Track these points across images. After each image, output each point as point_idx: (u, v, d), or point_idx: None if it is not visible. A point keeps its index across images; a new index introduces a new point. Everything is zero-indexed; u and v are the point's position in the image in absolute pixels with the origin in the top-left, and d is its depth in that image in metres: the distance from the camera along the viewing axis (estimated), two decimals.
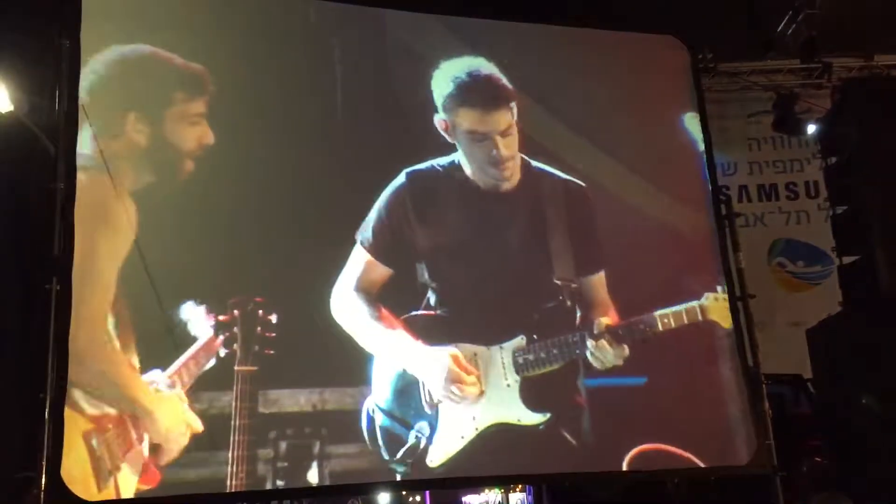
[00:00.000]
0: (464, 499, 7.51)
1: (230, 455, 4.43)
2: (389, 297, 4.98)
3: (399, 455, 4.79)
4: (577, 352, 5.14)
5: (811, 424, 6.68)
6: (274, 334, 4.65)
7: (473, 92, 5.34)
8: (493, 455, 4.95)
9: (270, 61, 5.20)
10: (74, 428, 4.15)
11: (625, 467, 5.13)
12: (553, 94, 5.66)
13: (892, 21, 7.54)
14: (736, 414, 5.41)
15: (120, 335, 4.40)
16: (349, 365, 4.83)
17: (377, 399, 4.84)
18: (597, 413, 5.13)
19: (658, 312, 5.18)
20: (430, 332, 5.00)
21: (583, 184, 5.45)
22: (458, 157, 5.29)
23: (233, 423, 4.48)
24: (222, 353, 4.57)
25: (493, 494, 7.32)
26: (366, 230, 5.05)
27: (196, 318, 4.58)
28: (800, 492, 5.69)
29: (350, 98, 5.30)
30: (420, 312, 5.04)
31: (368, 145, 5.24)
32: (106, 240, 4.49)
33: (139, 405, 4.34)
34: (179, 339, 4.52)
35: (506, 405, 4.99)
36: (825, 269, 8.24)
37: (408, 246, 5.12)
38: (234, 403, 4.51)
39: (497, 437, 4.94)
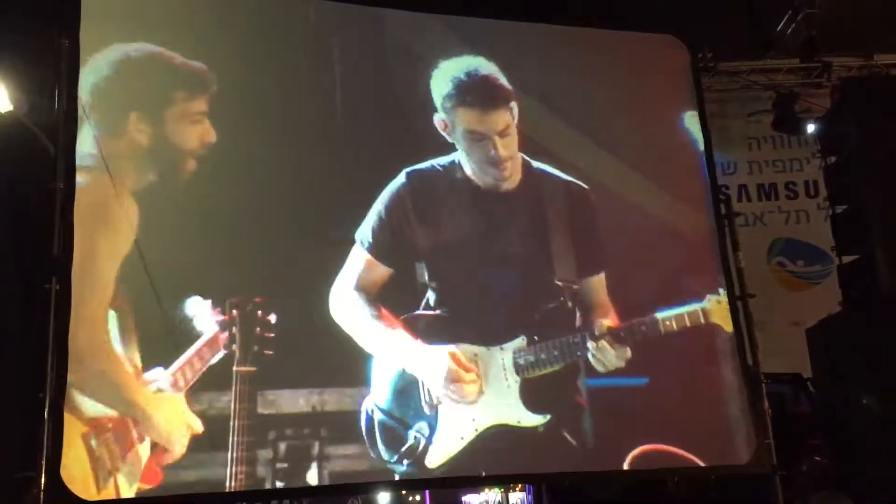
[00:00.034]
0: (463, 498, 7.51)
1: (229, 456, 4.43)
2: (389, 297, 4.98)
3: (398, 456, 4.79)
4: (578, 353, 5.13)
5: (811, 424, 6.68)
6: (273, 335, 4.64)
7: (472, 92, 5.33)
8: (492, 456, 4.94)
9: (270, 61, 5.20)
10: (73, 428, 4.15)
11: (626, 468, 5.12)
12: (554, 93, 5.66)
13: (892, 20, 7.54)
14: (736, 413, 5.41)
15: (122, 334, 4.40)
16: (348, 365, 4.82)
17: (376, 399, 4.83)
18: (598, 414, 5.12)
19: (660, 314, 5.18)
20: (430, 331, 4.99)
21: (584, 185, 5.44)
22: (458, 156, 5.28)
23: (232, 423, 4.47)
24: (222, 353, 4.56)
25: (493, 494, 7.32)
26: (365, 230, 5.05)
27: (201, 314, 4.58)
28: (799, 491, 5.69)
29: (350, 97, 5.30)
30: (420, 312, 5.03)
31: (368, 145, 5.24)
32: (106, 239, 4.49)
33: (137, 407, 4.33)
34: (182, 336, 4.51)
35: (506, 406, 4.98)
36: (825, 269, 8.23)
37: (408, 245, 5.11)
38: (232, 404, 4.50)
39: (497, 439, 4.93)
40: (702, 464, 5.23)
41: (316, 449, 4.64)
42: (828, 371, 6.36)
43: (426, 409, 4.89)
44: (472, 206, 5.29)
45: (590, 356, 5.13)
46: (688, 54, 6.16)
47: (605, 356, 5.14)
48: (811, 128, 7.64)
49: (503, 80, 5.41)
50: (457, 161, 5.28)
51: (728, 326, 5.50)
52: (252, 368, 4.58)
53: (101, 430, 4.22)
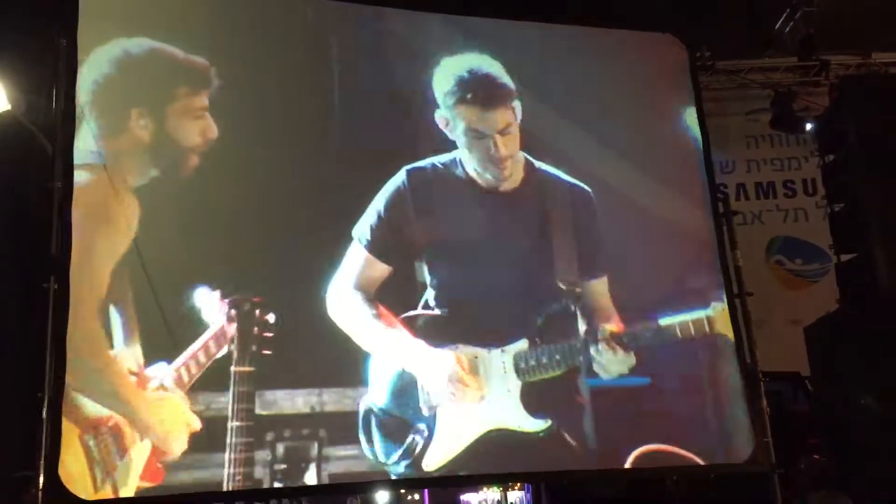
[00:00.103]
0: (462, 497, 7.50)
1: (227, 457, 4.41)
2: (388, 296, 4.96)
3: (395, 457, 4.77)
4: (581, 358, 5.10)
5: (809, 422, 6.69)
6: (271, 334, 4.63)
7: (473, 89, 5.31)
8: (491, 459, 4.93)
9: (270, 58, 5.20)
10: (71, 428, 4.14)
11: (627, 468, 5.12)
12: (555, 92, 5.65)
13: (890, 19, 7.54)
14: (736, 413, 5.41)
15: (124, 331, 4.39)
16: (348, 366, 4.80)
17: (374, 399, 4.81)
18: (599, 415, 5.10)
19: (664, 321, 5.17)
20: (430, 331, 4.97)
21: (588, 189, 5.42)
22: (459, 154, 5.27)
23: (229, 424, 4.46)
24: (227, 347, 4.56)
25: (492, 493, 7.32)
26: (363, 227, 5.02)
27: (208, 307, 4.57)
28: (798, 490, 5.69)
29: (349, 95, 5.29)
30: (419, 312, 5.01)
31: (368, 142, 5.23)
32: (105, 237, 4.49)
33: (133, 407, 4.31)
34: (186, 331, 4.51)
35: (506, 410, 4.95)
36: (823, 267, 8.24)
37: (407, 243, 5.09)
38: (230, 405, 4.48)
39: (496, 442, 4.91)
40: (702, 463, 5.23)
41: (315, 450, 4.62)
42: (826, 369, 6.37)
43: (425, 411, 4.87)
44: (473, 204, 5.27)
45: (592, 362, 5.10)
46: (686, 53, 6.16)
47: (608, 362, 5.12)
48: (810, 126, 7.65)
49: (506, 79, 5.39)
50: (457, 159, 5.27)
51: (731, 333, 5.49)
52: (250, 368, 4.56)
53: (98, 430, 4.21)
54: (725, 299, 5.55)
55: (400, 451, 4.78)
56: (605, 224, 5.45)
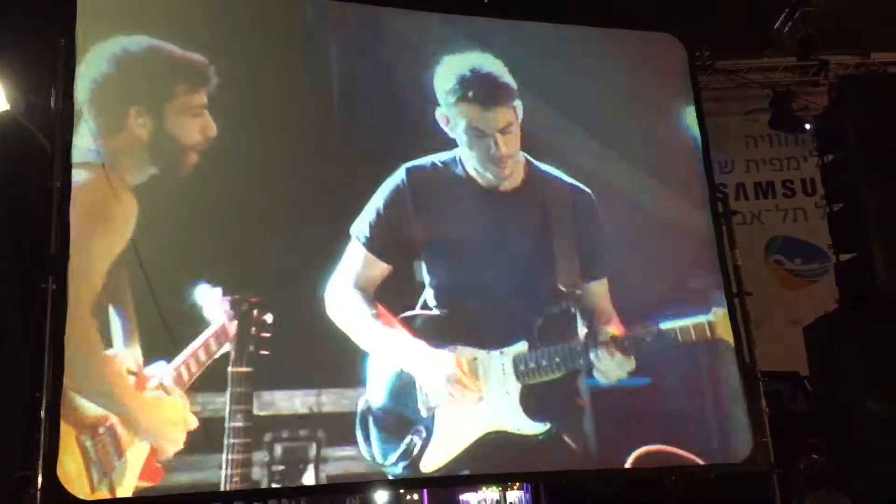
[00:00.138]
0: (461, 497, 7.50)
1: (224, 458, 4.39)
2: (387, 295, 4.93)
3: (393, 458, 4.74)
4: (581, 361, 5.09)
5: (808, 422, 6.69)
6: (269, 335, 4.60)
7: (475, 87, 5.30)
8: (490, 461, 4.92)
9: (268, 56, 5.18)
10: (68, 429, 4.12)
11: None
12: (557, 92, 5.63)
13: (889, 18, 7.54)
14: (735, 412, 5.40)
15: (123, 330, 4.38)
16: (346, 366, 4.78)
17: (372, 399, 4.78)
18: (599, 416, 5.08)
19: (665, 325, 5.16)
20: (429, 332, 4.95)
21: (588, 190, 5.40)
22: (459, 153, 5.26)
23: (227, 425, 4.44)
24: (229, 345, 4.54)
25: (491, 492, 7.32)
26: (362, 225, 5.00)
27: (209, 304, 4.55)
28: (797, 489, 5.68)
29: (348, 94, 5.27)
30: (418, 312, 4.99)
31: (367, 141, 5.21)
32: (103, 236, 4.48)
33: (129, 408, 4.29)
34: (185, 329, 4.49)
35: (505, 413, 4.92)
36: (822, 267, 8.24)
37: (407, 242, 5.07)
38: (228, 406, 4.46)
39: (495, 445, 4.88)
40: (701, 463, 5.22)
41: (313, 451, 4.60)
42: (825, 369, 6.36)
43: (423, 411, 4.84)
44: (473, 204, 5.25)
45: (592, 366, 5.09)
46: (685, 53, 6.15)
47: (608, 366, 5.10)
48: (809, 126, 7.66)
49: (507, 78, 5.39)
50: (457, 158, 5.25)
51: (732, 337, 5.48)
52: (248, 369, 4.54)
53: (96, 431, 4.19)
54: (726, 304, 5.53)
55: (398, 452, 4.75)
56: (606, 225, 5.43)
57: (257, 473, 4.46)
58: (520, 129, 5.34)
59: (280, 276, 4.77)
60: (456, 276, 5.11)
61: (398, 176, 5.14)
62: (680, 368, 5.31)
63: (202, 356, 4.49)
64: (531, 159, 5.37)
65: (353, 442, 4.69)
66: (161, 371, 4.41)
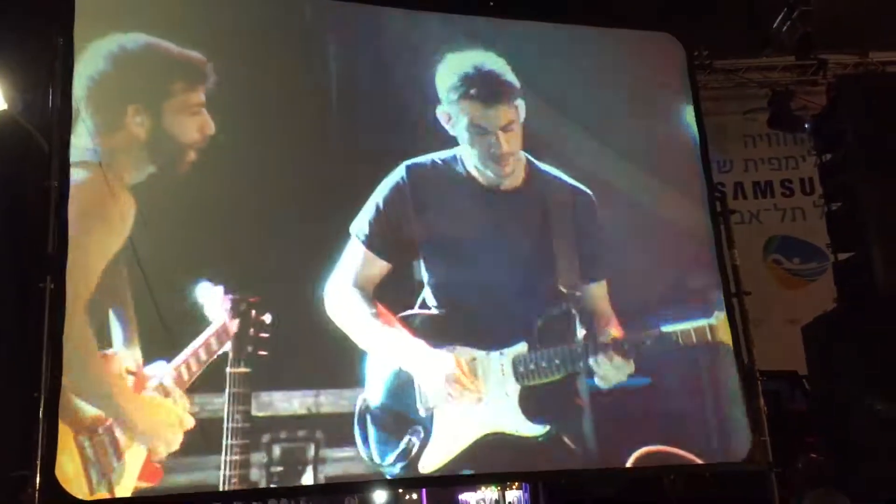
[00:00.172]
0: (460, 497, 7.50)
1: (223, 459, 4.37)
2: (386, 294, 4.91)
3: (391, 458, 4.71)
4: (581, 363, 5.07)
5: (807, 421, 6.69)
6: (267, 335, 4.58)
7: (477, 85, 5.28)
8: (489, 462, 4.90)
9: (266, 54, 5.16)
10: (66, 430, 4.09)
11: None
12: (558, 92, 5.61)
13: (888, 18, 7.55)
14: (734, 412, 5.40)
15: (122, 330, 4.35)
16: (345, 367, 4.76)
17: (370, 399, 4.76)
18: (599, 416, 5.06)
19: (666, 328, 5.14)
20: (428, 331, 4.92)
21: (589, 192, 5.38)
22: (460, 151, 5.24)
23: (225, 426, 4.41)
24: (231, 344, 4.53)
25: (490, 492, 7.32)
26: (361, 222, 4.97)
27: (210, 303, 4.53)
28: (795, 488, 5.69)
29: (348, 92, 5.24)
30: (418, 311, 4.97)
31: (367, 139, 5.19)
32: (101, 235, 4.46)
33: (125, 410, 4.26)
34: (185, 328, 4.47)
35: (504, 414, 4.90)
36: (820, 266, 8.25)
37: (406, 240, 5.04)
38: (226, 406, 4.44)
39: (493, 446, 4.86)
40: (700, 462, 5.22)
41: (311, 452, 4.57)
42: (824, 368, 6.37)
43: (422, 412, 4.82)
44: (473, 202, 5.23)
45: (592, 369, 5.06)
46: (683, 52, 6.14)
47: (608, 371, 5.07)
48: (808, 125, 7.67)
49: (510, 77, 5.36)
50: (457, 156, 5.24)
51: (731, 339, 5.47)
52: (246, 370, 4.52)
53: (94, 432, 4.16)
54: (725, 303, 5.52)
55: (396, 453, 4.73)
56: (606, 226, 5.41)
57: (256, 475, 4.44)
58: (521, 129, 5.32)
59: (279, 276, 4.75)
60: (455, 276, 5.08)
61: (398, 173, 5.12)
62: (680, 369, 5.30)
63: (203, 355, 4.47)
64: (532, 159, 5.36)
65: (352, 443, 4.67)
66: (161, 371, 4.38)
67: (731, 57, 8.28)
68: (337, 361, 4.77)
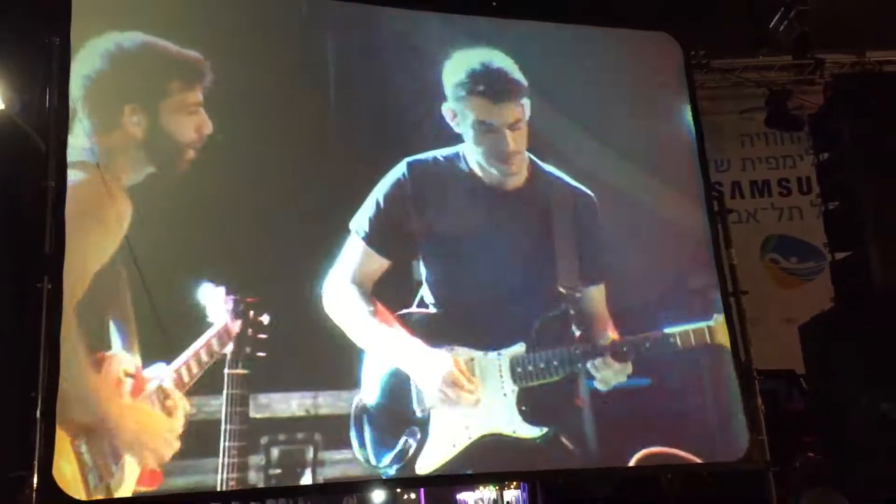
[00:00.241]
0: (458, 497, 7.50)
1: (220, 462, 4.33)
2: (385, 292, 4.88)
3: (387, 460, 4.68)
4: (579, 365, 5.04)
5: (804, 420, 6.70)
6: (265, 336, 4.54)
7: (485, 82, 5.25)
8: (486, 464, 4.88)
9: (264, 51, 5.13)
10: (63, 434, 4.05)
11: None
12: (558, 91, 5.58)
13: (885, 17, 7.55)
14: (732, 411, 5.39)
15: (120, 332, 4.31)
16: (344, 368, 4.73)
17: (366, 399, 4.72)
18: (599, 418, 5.04)
19: (665, 331, 5.13)
20: (427, 331, 4.89)
21: (591, 193, 5.36)
22: (463, 149, 5.21)
23: (223, 428, 4.37)
24: (232, 345, 4.48)
25: (488, 492, 7.32)
26: (361, 219, 4.94)
27: (212, 304, 4.49)
28: (793, 487, 5.69)
29: (346, 90, 5.21)
30: (416, 310, 4.93)
31: (367, 136, 5.16)
32: (99, 236, 4.44)
33: (122, 413, 4.20)
34: (185, 329, 4.44)
35: (501, 415, 4.86)
36: (818, 265, 8.27)
37: (407, 238, 5.01)
38: (224, 408, 4.40)
39: (491, 447, 4.82)
40: (699, 461, 5.21)
41: (310, 454, 4.54)
42: (821, 367, 6.39)
43: (418, 413, 4.78)
44: (474, 201, 5.19)
45: (590, 371, 5.04)
46: (681, 52, 6.14)
47: (606, 373, 5.04)
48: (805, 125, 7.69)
49: (518, 75, 5.33)
50: (460, 153, 5.20)
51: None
52: (244, 371, 4.48)
53: (91, 436, 4.12)
54: (722, 303, 5.50)
55: (393, 454, 4.70)
56: (606, 227, 5.38)
57: (254, 477, 4.40)
58: (527, 128, 5.30)
59: (278, 276, 4.72)
60: (454, 274, 5.06)
61: (399, 169, 5.09)
62: (678, 370, 5.26)
63: (204, 357, 4.42)
64: (535, 159, 5.33)
65: (350, 444, 4.64)
66: (160, 373, 4.34)
67: (728, 56, 8.28)
68: (336, 362, 4.74)
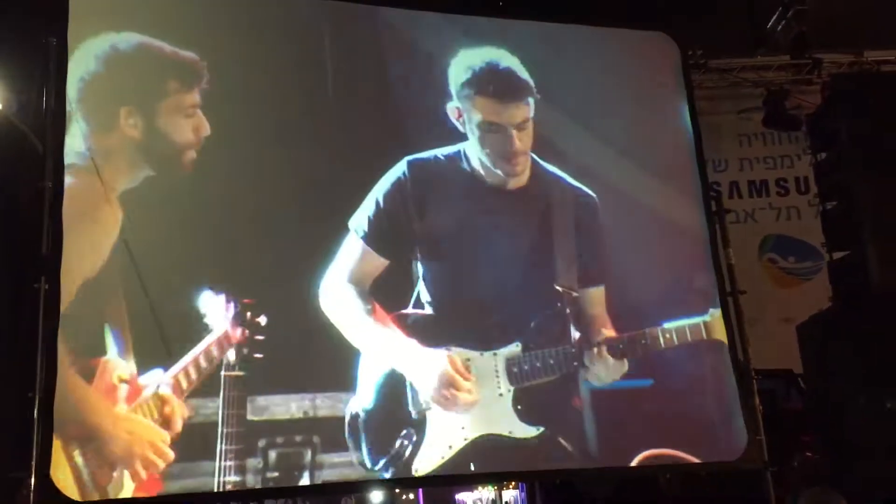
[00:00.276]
0: (457, 497, 7.50)
1: (217, 465, 4.29)
2: (382, 292, 4.86)
3: (383, 463, 4.66)
4: (575, 363, 5.02)
5: (802, 420, 6.71)
6: (263, 337, 4.51)
7: (493, 81, 5.22)
8: (483, 465, 4.86)
9: (262, 51, 5.11)
10: (56, 439, 4.02)
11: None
12: (559, 91, 5.55)
13: (882, 16, 7.56)
14: (731, 411, 5.40)
15: (115, 337, 4.28)
16: (342, 369, 4.70)
17: (362, 401, 4.69)
18: (599, 419, 5.02)
19: (660, 327, 5.11)
20: (423, 331, 4.87)
21: (593, 194, 5.34)
22: (465, 147, 5.18)
23: (219, 431, 4.33)
24: (233, 351, 4.44)
25: (486, 492, 7.32)
26: (360, 218, 4.92)
27: (212, 309, 4.46)
28: (791, 487, 5.69)
29: (345, 89, 5.20)
30: (412, 311, 4.92)
31: (366, 136, 5.15)
32: (95, 238, 4.41)
33: (105, 426, 4.15)
34: (183, 335, 4.40)
35: (497, 416, 4.84)
36: (815, 265, 8.27)
37: (405, 237, 4.99)
38: (220, 410, 4.36)
39: (487, 448, 4.81)
40: (697, 461, 5.21)
41: (308, 457, 4.51)
42: (819, 367, 6.38)
43: (414, 414, 4.76)
44: (475, 200, 5.17)
45: (586, 369, 5.03)
46: (678, 52, 6.14)
47: (602, 370, 5.03)
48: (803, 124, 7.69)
49: (524, 74, 5.30)
50: (462, 152, 5.18)
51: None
52: (241, 373, 4.44)
53: (85, 443, 4.08)
54: (720, 303, 5.50)
55: (388, 457, 4.66)
56: (606, 228, 5.36)
57: (251, 480, 4.37)
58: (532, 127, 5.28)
59: (277, 277, 4.69)
60: (452, 274, 5.04)
61: (399, 168, 5.06)
62: (676, 369, 5.25)
63: (203, 363, 4.37)
64: (537, 159, 5.31)
65: (348, 447, 4.62)
66: (157, 379, 4.29)
67: (725, 56, 8.28)
68: (335, 364, 4.71)
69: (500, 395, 4.89)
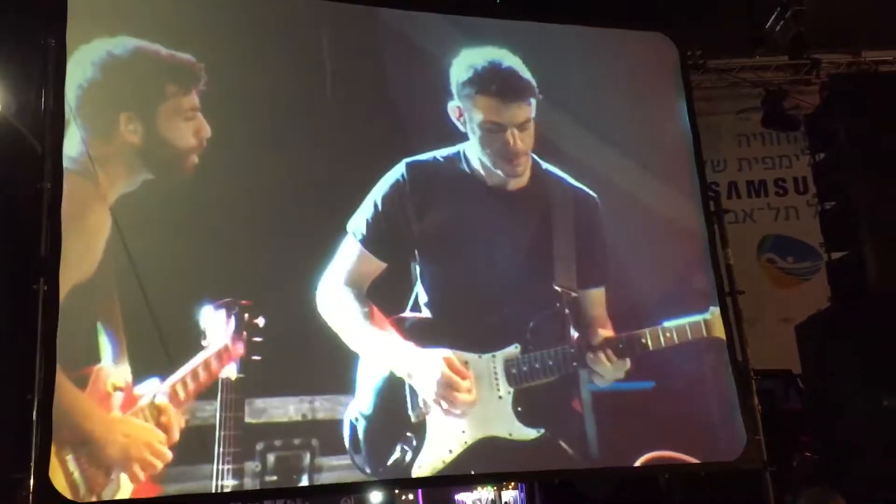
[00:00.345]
0: (457, 497, 7.50)
1: (214, 469, 4.27)
2: (380, 294, 4.84)
3: (383, 468, 4.64)
4: (575, 364, 5.01)
5: (801, 420, 6.71)
6: (261, 339, 4.49)
7: (495, 81, 5.19)
8: (483, 467, 4.86)
9: (259, 53, 5.09)
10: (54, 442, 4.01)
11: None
12: (559, 91, 5.54)
13: (880, 17, 7.57)
14: (730, 410, 5.39)
15: (111, 344, 4.26)
16: (341, 372, 4.69)
17: (361, 406, 4.67)
18: (600, 421, 5.00)
19: (661, 326, 5.10)
20: (421, 334, 4.85)
21: (594, 195, 5.33)
22: (465, 148, 5.17)
23: (217, 434, 4.31)
24: (234, 365, 4.40)
25: (486, 492, 7.32)
26: (359, 220, 4.90)
27: (210, 323, 4.42)
28: (790, 487, 5.70)
29: (344, 90, 5.19)
30: (410, 314, 4.90)
31: (366, 137, 5.14)
32: (93, 242, 4.40)
33: (99, 431, 4.14)
34: (184, 344, 4.38)
35: (497, 418, 4.82)
36: (814, 265, 8.27)
37: (403, 240, 4.97)
38: (218, 413, 4.33)
39: (488, 451, 4.79)
40: (696, 462, 5.21)
41: (307, 460, 4.49)
42: (818, 367, 6.38)
43: (413, 419, 4.74)
44: (474, 202, 5.15)
45: (588, 367, 5.02)
46: (677, 52, 6.14)
47: (603, 369, 5.02)
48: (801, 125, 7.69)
49: (526, 74, 5.29)
50: (461, 153, 5.16)
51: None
52: (239, 375, 4.43)
53: (79, 448, 4.07)
54: (719, 303, 5.50)
55: (389, 463, 4.65)
56: (606, 228, 5.35)
57: (249, 484, 4.35)
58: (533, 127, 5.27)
59: (275, 279, 4.68)
60: (450, 276, 5.02)
61: (398, 170, 5.05)
62: (678, 370, 5.24)
63: (202, 375, 4.34)
64: (538, 159, 5.29)
65: (348, 454, 4.61)
66: (154, 388, 4.26)
67: (724, 56, 8.28)
68: (333, 366, 4.69)
69: (500, 397, 4.88)
